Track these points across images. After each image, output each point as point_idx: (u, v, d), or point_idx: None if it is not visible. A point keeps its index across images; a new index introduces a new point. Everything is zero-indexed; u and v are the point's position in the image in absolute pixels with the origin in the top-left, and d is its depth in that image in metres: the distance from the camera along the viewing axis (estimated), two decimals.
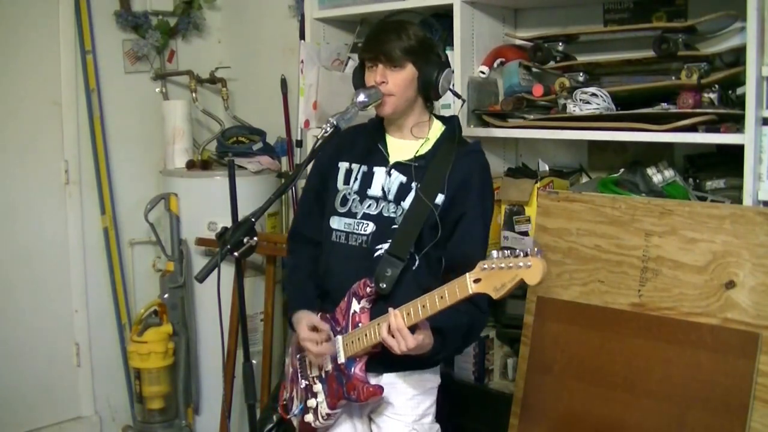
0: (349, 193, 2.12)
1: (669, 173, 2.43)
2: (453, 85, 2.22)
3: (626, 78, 2.47)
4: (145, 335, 3.28)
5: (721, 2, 2.31)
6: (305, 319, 2.10)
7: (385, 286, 2.00)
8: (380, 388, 2.02)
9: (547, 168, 2.84)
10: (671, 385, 2.13)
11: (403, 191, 2.07)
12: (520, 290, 2.53)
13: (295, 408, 2.19)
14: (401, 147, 2.12)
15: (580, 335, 2.33)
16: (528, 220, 2.61)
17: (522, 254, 1.66)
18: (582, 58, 2.62)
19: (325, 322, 2.08)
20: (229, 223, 2.52)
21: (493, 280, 1.70)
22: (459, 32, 2.69)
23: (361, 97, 2.00)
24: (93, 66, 3.63)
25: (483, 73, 2.74)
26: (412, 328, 1.87)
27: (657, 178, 2.43)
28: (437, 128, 2.14)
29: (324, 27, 3.22)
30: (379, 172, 2.11)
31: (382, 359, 2.01)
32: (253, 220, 1.98)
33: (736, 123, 2.18)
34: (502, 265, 1.68)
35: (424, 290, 1.99)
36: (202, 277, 1.93)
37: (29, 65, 3.49)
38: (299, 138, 3.59)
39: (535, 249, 1.65)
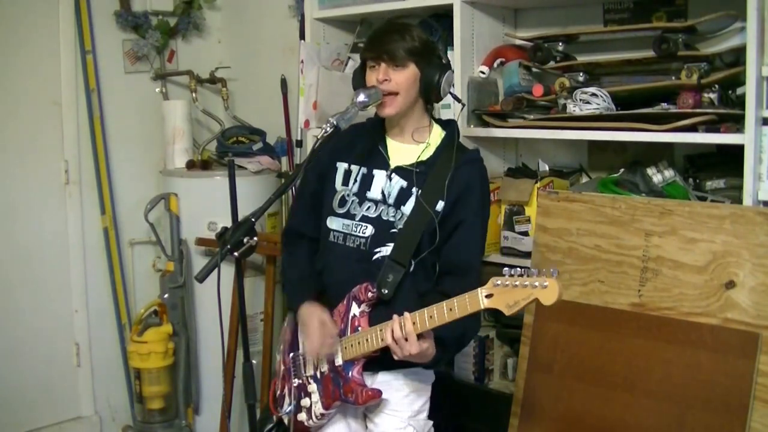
0: (348, 195, 2.12)
1: (669, 173, 2.43)
2: (454, 91, 2.22)
3: (626, 78, 2.47)
4: (145, 335, 3.28)
5: (721, 2, 2.31)
6: (315, 314, 2.07)
7: (387, 291, 2.01)
8: (379, 392, 2.03)
9: (547, 168, 2.85)
10: (671, 385, 2.13)
11: (403, 196, 2.07)
12: None
13: (287, 406, 2.19)
14: (402, 151, 2.12)
15: (580, 335, 2.33)
16: (528, 220, 2.61)
17: (536, 273, 1.68)
18: (582, 58, 2.62)
19: (331, 327, 2.06)
20: (229, 223, 2.53)
21: (506, 297, 1.71)
22: (459, 32, 2.69)
23: (361, 97, 2.00)
24: (93, 66, 3.63)
25: (483, 73, 2.75)
26: (417, 336, 1.88)
27: (657, 178, 2.43)
28: (437, 133, 2.14)
29: (324, 27, 3.22)
30: (379, 175, 2.11)
31: (377, 358, 2.02)
32: (253, 220, 1.98)
33: (736, 123, 2.19)
34: (517, 283, 1.70)
35: (420, 295, 2.01)
36: (202, 277, 1.93)
37: (29, 65, 3.49)
38: (299, 138, 3.59)
39: (552, 269, 1.66)
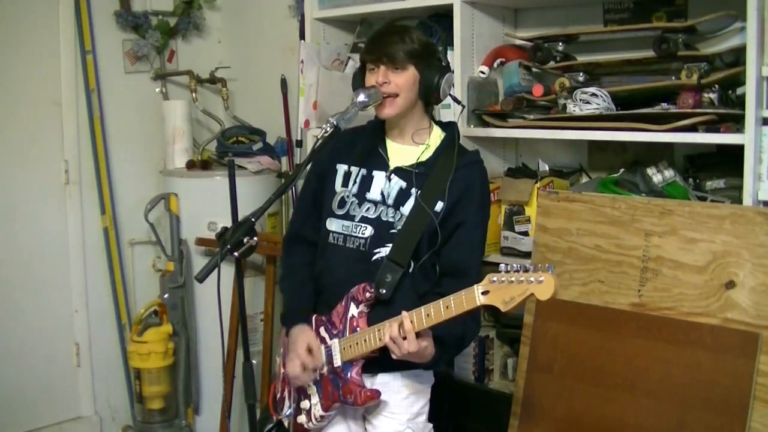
0: (348, 196, 2.12)
1: (669, 173, 2.43)
2: (454, 92, 2.22)
3: (626, 78, 2.47)
4: (145, 335, 3.28)
5: (721, 2, 2.31)
6: (305, 338, 2.09)
7: (385, 291, 2.01)
8: (377, 393, 2.03)
9: (547, 168, 2.84)
10: (671, 385, 2.13)
11: (402, 197, 2.07)
12: None
13: (287, 408, 2.19)
14: (401, 152, 2.12)
15: (580, 335, 2.33)
16: (528, 220, 2.61)
17: (532, 269, 1.68)
18: (582, 58, 2.62)
19: (317, 356, 2.07)
20: (229, 223, 2.52)
21: (502, 293, 1.71)
22: (459, 32, 2.69)
23: (361, 97, 2.00)
24: (93, 66, 3.63)
25: (483, 73, 2.75)
26: (416, 335, 1.87)
27: (657, 178, 2.43)
28: (437, 135, 2.14)
29: (324, 27, 3.22)
30: (379, 176, 2.11)
31: (377, 360, 2.02)
32: (253, 220, 1.98)
33: (736, 123, 2.19)
34: (512, 279, 1.70)
35: (420, 296, 2.01)
36: (202, 277, 1.93)
37: (29, 65, 3.49)
38: (299, 138, 3.59)
39: (546, 265, 1.66)
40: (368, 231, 2.07)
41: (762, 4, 2.10)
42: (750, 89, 2.12)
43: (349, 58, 3.20)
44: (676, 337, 2.14)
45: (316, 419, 2.11)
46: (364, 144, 2.17)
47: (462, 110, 2.38)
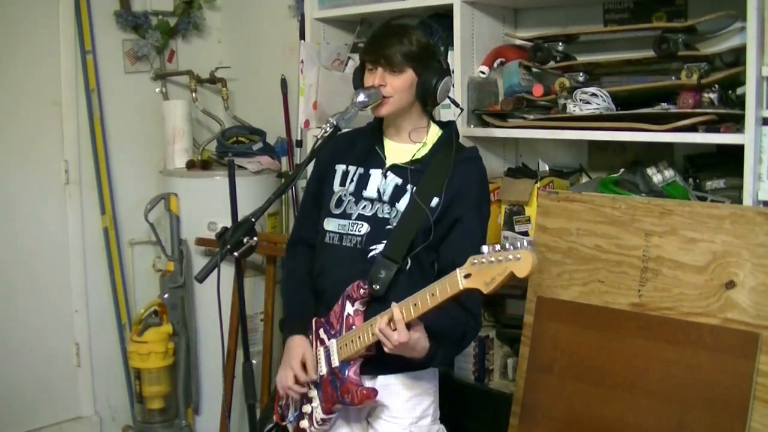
0: (345, 195, 2.12)
1: (669, 173, 2.43)
2: (453, 92, 2.21)
3: (626, 78, 2.47)
4: (145, 335, 3.28)
5: (721, 2, 2.31)
6: (300, 350, 2.09)
7: (378, 287, 1.99)
8: (374, 391, 2.01)
9: (547, 168, 2.84)
10: (671, 385, 2.13)
11: (398, 193, 2.06)
12: (520, 290, 2.54)
13: (291, 414, 2.18)
14: (399, 150, 2.12)
15: (580, 335, 2.33)
16: (528, 220, 2.61)
17: (512, 247, 1.65)
18: (582, 58, 2.62)
19: (310, 371, 2.08)
20: (229, 223, 2.52)
21: (483, 275, 1.68)
22: (459, 32, 2.69)
23: (361, 97, 2.00)
24: (93, 66, 3.63)
25: (483, 73, 2.75)
26: (406, 327, 1.86)
27: (657, 178, 2.43)
28: (435, 133, 2.14)
29: (324, 27, 3.22)
30: (376, 174, 2.11)
31: (377, 362, 2.01)
32: (253, 220, 1.98)
33: (736, 123, 2.18)
34: (492, 259, 1.67)
35: None
36: (202, 277, 1.93)
37: (29, 65, 3.49)
38: (299, 138, 3.60)
39: (525, 241, 1.63)
40: (364, 228, 2.07)
41: (762, 4, 2.10)
42: (750, 89, 2.12)
43: (349, 58, 3.20)
44: (676, 337, 2.14)
45: (317, 423, 2.09)
46: (362, 144, 2.17)
47: (460, 113, 2.38)
